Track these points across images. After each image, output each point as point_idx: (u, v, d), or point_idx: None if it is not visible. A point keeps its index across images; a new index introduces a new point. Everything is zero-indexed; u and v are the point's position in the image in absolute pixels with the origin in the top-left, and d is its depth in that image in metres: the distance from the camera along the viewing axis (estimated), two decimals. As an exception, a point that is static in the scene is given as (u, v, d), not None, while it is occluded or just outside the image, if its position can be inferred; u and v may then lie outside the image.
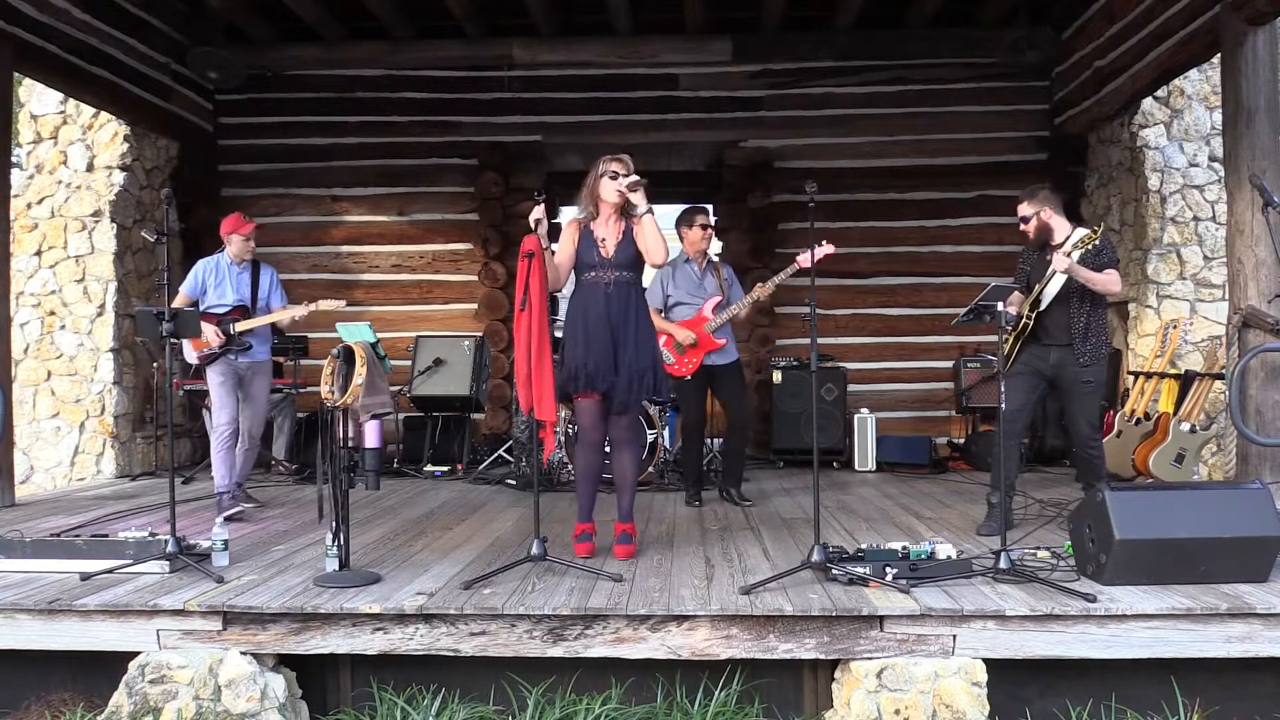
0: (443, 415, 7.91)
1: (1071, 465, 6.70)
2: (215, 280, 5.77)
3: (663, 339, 5.73)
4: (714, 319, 5.85)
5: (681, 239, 6.02)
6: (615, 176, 4.42)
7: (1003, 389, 4.17)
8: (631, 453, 4.57)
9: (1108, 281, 4.83)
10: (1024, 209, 5.05)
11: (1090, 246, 4.83)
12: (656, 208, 4.47)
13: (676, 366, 5.85)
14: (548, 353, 4.23)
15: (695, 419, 6.04)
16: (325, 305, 5.77)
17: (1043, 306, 4.92)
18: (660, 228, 4.45)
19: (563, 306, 8.93)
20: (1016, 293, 5.13)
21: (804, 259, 5.43)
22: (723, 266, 6.16)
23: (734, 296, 6.04)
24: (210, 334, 5.57)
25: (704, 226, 5.96)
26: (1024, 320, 4.94)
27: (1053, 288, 4.87)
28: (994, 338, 4.35)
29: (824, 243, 5.40)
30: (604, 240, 4.47)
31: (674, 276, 5.99)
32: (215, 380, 5.70)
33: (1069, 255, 4.74)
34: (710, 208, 6.73)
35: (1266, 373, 5.22)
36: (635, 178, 4.40)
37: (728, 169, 8.81)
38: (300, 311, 5.70)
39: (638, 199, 4.38)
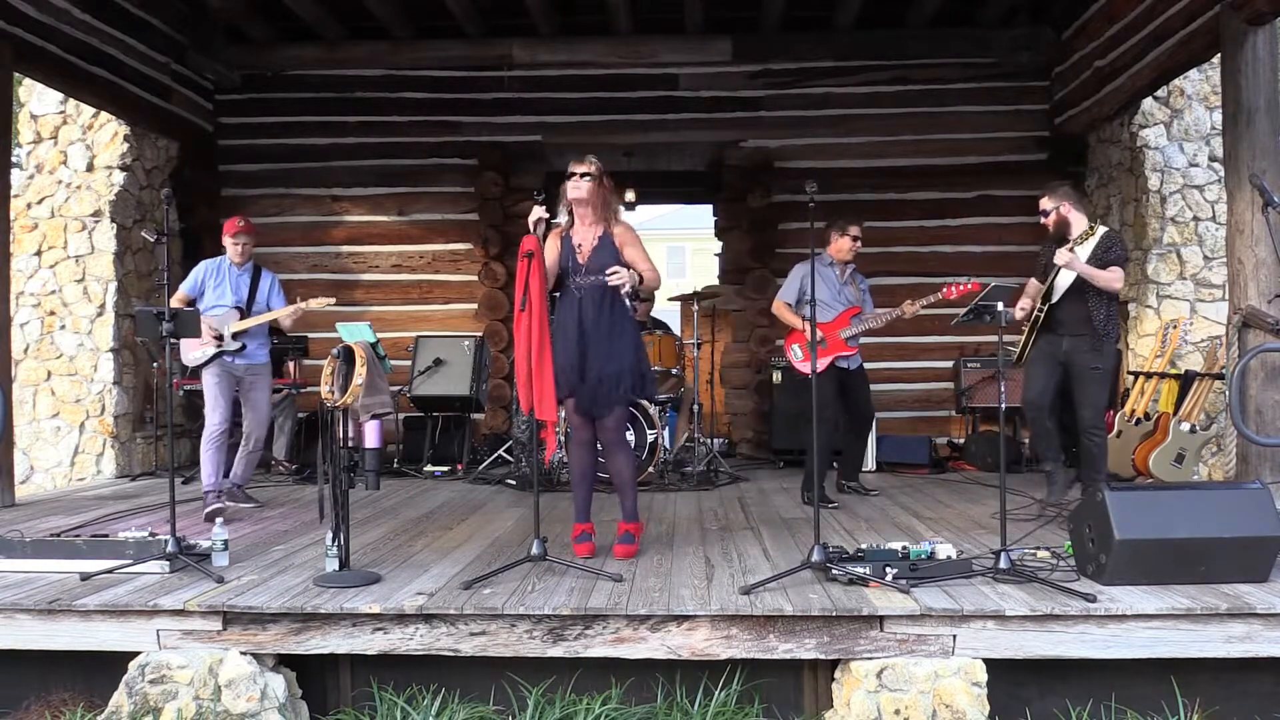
0: (443, 415, 7.91)
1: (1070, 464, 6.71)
2: (215, 281, 5.78)
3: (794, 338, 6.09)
4: (851, 327, 6.05)
5: (830, 242, 6.14)
6: (571, 175, 4.42)
7: (1001, 381, 4.18)
8: (624, 454, 4.56)
9: (1109, 279, 5.12)
10: (1044, 204, 5.39)
11: (1091, 242, 5.12)
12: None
13: (804, 364, 6.01)
14: (548, 353, 4.22)
15: (832, 415, 6.03)
16: (315, 304, 5.79)
17: (1054, 299, 5.24)
18: (652, 261, 4.50)
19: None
20: (1034, 282, 5.51)
21: (950, 290, 5.87)
22: (859, 279, 6.32)
23: (867, 307, 6.27)
24: (205, 332, 5.54)
25: (854, 238, 6.11)
26: (1036, 311, 5.28)
27: (1063, 281, 5.19)
28: (994, 338, 4.36)
29: (971, 281, 5.84)
30: (579, 246, 4.47)
31: (815, 279, 5.98)
32: (210, 380, 5.68)
33: (1071, 250, 5.06)
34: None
35: (1266, 373, 5.23)
36: (616, 273, 4.30)
37: (728, 169, 8.81)
38: (290, 311, 5.71)
39: (616, 280, 4.30)
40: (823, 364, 5.91)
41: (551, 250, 4.51)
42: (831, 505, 5.87)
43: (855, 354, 6.14)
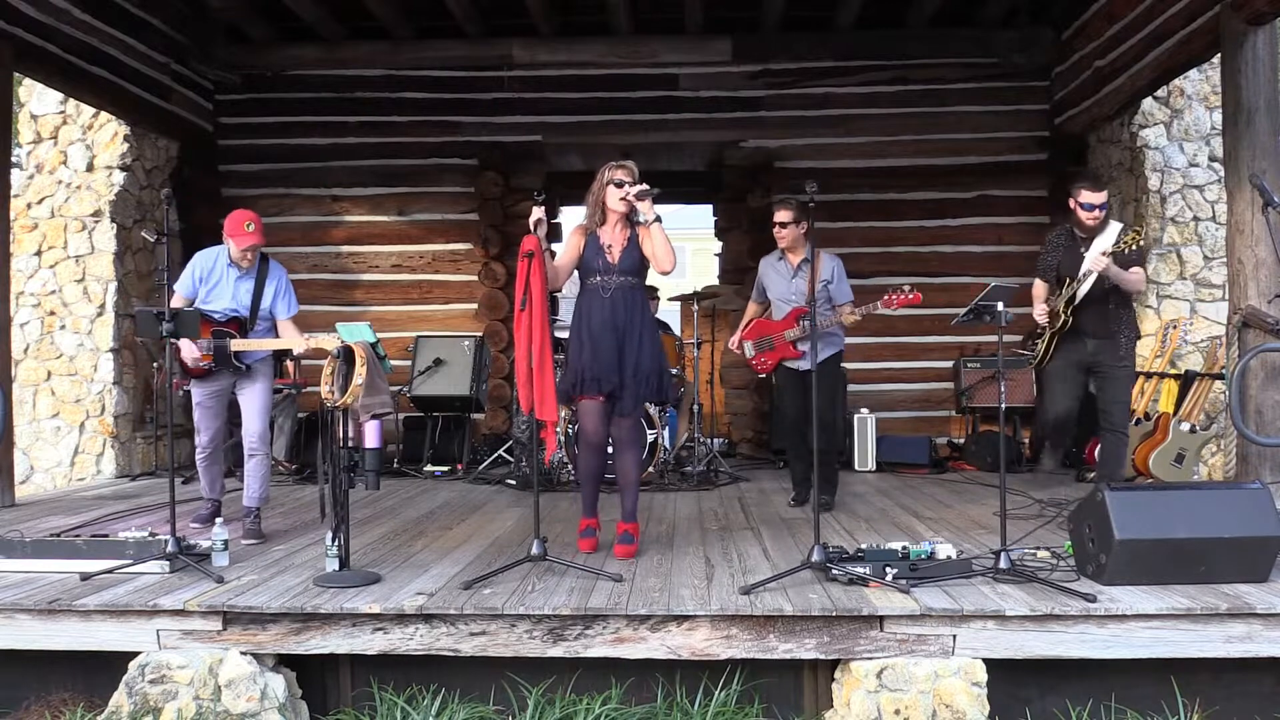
0: (443, 415, 7.90)
1: (1069, 464, 6.74)
2: (211, 282, 5.00)
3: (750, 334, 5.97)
4: (796, 329, 5.68)
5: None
6: (621, 185, 4.43)
7: (1001, 381, 4.17)
8: (634, 454, 4.59)
9: (1136, 280, 5.16)
10: (1104, 196, 5.20)
11: (1106, 240, 5.04)
12: (655, 209, 4.48)
13: (754, 363, 5.99)
14: (548, 352, 4.23)
15: (789, 416, 5.84)
16: (324, 343, 4.65)
17: (1077, 301, 5.17)
18: (668, 235, 4.45)
19: (563, 306, 8.97)
20: (1040, 284, 5.43)
21: (890, 299, 5.63)
22: (827, 262, 5.64)
23: (835, 296, 5.71)
24: (188, 352, 4.85)
25: (776, 224, 5.66)
26: (1064, 318, 5.19)
27: (1089, 283, 5.11)
28: (994, 338, 4.36)
29: (914, 292, 5.59)
30: (610, 246, 4.49)
31: (770, 273, 5.87)
32: (196, 399, 5.06)
33: (1107, 255, 4.99)
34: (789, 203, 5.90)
35: (1266, 373, 5.22)
36: (644, 186, 4.41)
37: (728, 169, 8.82)
38: (301, 342, 4.89)
39: (645, 207, 4.40)
40: (768, 365, 5.87)
41: (574, 246, 4.55)
42: (799, 504, 5.87)
43: (803, 356, 5.63)
